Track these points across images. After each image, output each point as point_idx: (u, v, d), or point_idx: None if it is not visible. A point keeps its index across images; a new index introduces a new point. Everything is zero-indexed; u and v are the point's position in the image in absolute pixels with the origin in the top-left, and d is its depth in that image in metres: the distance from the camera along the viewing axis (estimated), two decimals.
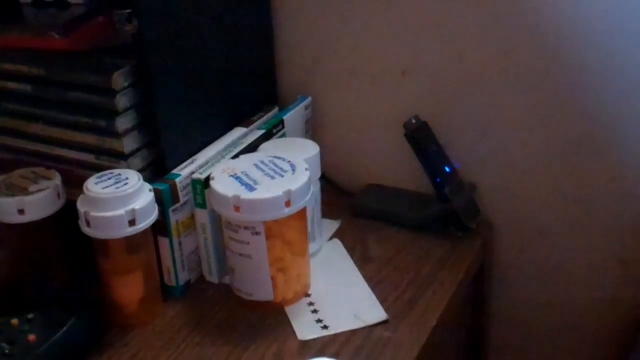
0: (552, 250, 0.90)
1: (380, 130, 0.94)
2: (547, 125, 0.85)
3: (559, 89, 0.82)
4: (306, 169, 0.76)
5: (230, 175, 0.75)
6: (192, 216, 0.79)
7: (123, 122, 0.75)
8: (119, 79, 0.74)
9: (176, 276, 0.79)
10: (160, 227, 0.76)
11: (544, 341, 0.96)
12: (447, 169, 0.87)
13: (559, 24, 0.79)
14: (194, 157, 0.81)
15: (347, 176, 0.98)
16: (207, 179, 0.76)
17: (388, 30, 0.89)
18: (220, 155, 0.82)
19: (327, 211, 0.89)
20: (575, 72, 0.81)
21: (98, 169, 0.76)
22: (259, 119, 0.89)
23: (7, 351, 0.67)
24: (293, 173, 0.75)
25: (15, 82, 0.80)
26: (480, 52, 0.85)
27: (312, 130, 0.96)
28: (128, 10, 0.79)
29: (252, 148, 0.84)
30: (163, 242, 0.77)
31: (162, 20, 0.75)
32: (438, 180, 0.86)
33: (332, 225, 0.90)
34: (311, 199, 0.78)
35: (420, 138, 0.87)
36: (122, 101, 0.75)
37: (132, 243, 0.73)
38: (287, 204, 0.72)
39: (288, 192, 0.72)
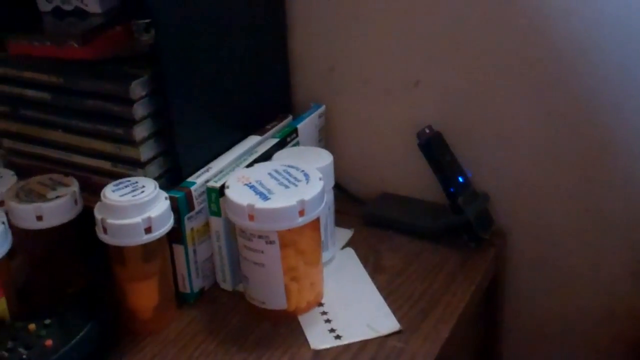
0: (565, 261, 0.90)
1: (394, 139, 0.95)
2: (561, 135, 0.85)
3: (573, 99, 0.82)
4: (320, 179, 0.76)
5: (245, 184, 0.76)
6: (207, 224, 0.80)
7: (140, 131, 0.76)
8: (137, 88, 0.75)
9: (190, 283, 0.80)
10: (176, 235, 0.77)
11: (558, 352, 0.96)
12: (460, 179, 0.87)
13: (573, 33, 0.79)
14: (209, 166, 0.81)
15: (361, 185, 0.99)
16: (222, 187, 0.77)
17: (402, 41, 0.90)
18: (234, 164, 0.83)
19: (340, 220, 0.89)
20: (590, 81, 0.81)
21: (115, 176, 0.77)
22: (273, 127, 0.90)
23: (24, 356, 0.67)
24: (307, 182, 0.76)
25: (34, 90, 0.82)
26: (494, 62, 0.85)
27: (325, 138, 0.97)
28: (146, 21, 0.80)
29: (266, 157, 0.85)
30: (178, 249, 0.78)
31: (179, 30, 0.76)
32: (451, 190, 0.87)
33: (346, 234, 0.91)
34: (325, 208, 0.78)
35: (434, 148, 0.87)
36: (139, 110, 0.76)
37: (147, 250, 0.74)
38: (301, 213, 0.73)
39: (302, 202, 0.73)
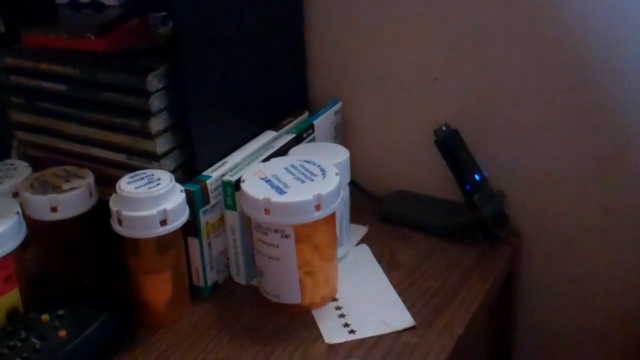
0: (579, 261, 0.90)
1: (410, 136, 0.94)
2: (579, 135, 0.84)
3: (591, 98, 0.82)
4: (336, 174, 0.76)
5: (261, 178, 0.76)
6: (222, 218, 0.80)
7: (156, 124, 0.76)
8: (154, 81, 0.75)
9: (205, 277, 0.80)
10: (191, 228, 0.77)
11: (571, 349, 0.95)
12: (476, 177, 0.87)
13: (593, 33, 0.79)
14: (224, 160, 0.81)
15: (376, 182, 0.98)
16: (238, 181, 0.77)
17: (420, 38, 0.89)
18: (250, 159, 0.82)
19: (355, 217, 0.89)
20: (608, 81, 0.80)
21: (130, 169, 0.77)
22: (289, 123, 0.90)
23: (37, 346, 0.67)
24: (323, 177, 0.75)
25: (51, 81, 0.81)
26: (512, 60, 0.85)
27: (341, 135, 0.97)
28: (163, 14, 0.80)
29: (282, 152, 0.84)
30: (193, 242, 0.78)
31: (196, 23, 0.76)
32: (467, 188, 0.86)
33: (360, 231, 0.91)
34: (340, 204, 0.78)
35: (451, 145, 0.87)
36: (155, 103, 0.75)
37: (162, 243, 0.73)
38: (317, 208, 0.73)
39: (318, 197, 0.72)
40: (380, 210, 0.94)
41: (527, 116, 0.86)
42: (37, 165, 0.84)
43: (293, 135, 0.87)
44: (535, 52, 0.83)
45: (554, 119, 0.85)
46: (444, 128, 0.87)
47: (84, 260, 0.81)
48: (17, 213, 0.73)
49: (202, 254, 0.78)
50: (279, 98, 0.91)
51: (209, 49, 0.78)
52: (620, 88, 0.80)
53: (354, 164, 0.85)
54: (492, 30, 0.84)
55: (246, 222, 0.79)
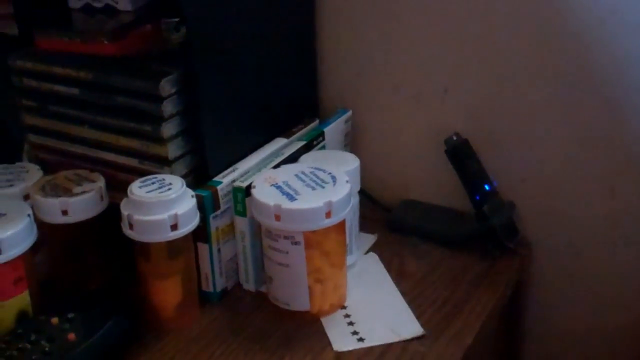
0: (589, 272, 0.90)
1: (420, 146, 0.95)
2: (588, 147, 0.84)
3: (602, 110, 0.82)
4: (347, 181, 0.76)
5: (272, 185, 0.76)
6: (232, 224, 0.80)
7: (168, 129, 0.76)
8: (167, 86, 0.75)
9: (214, 283, 0.80)
10: (201, 233, 0.77)
11: None
12: (486, 187, 0.87)
13: (604, 43, 0.79)
14: (235, 166, 0.81)
15: (385, 191, 0.98)
16: (248, 187, 0.77)
17: (432, 48, 0.89)
18: (261, 165, 0.82)
19: (365, 225, 0.89)
20: (619, 92, 0.80)
21: (141, 173, 0.77)
22: (299, 130, 0.90)
23: (47, 349, 0.67)
24: (334, 185, 0.75)
25: (64, 85, 0.82)
26: (523, 70, 0.85)
27: (351, 143, 0.97)
28: (176, 19, 0.81)
29: (292, 159, 0.84)
30: (203, 248, 0.78)
31: (209, 29, 0.76)
32: (477, 198, 0.86)
33: (369, 240, 0.91)
34: (350, 212, 0.78)
35: (461, 155, 0.87)
36: (168, 108, 0.76)
37: (173, 247, 0.73)
38: (328, 215, 0.73)
39: (329, 203, 0.72)
40: (389, 219, 0.94)
41: (538, 127, 0.86)
42: (48, 168, 0.84)
43: (303, 143, 0.87)
44: (546, 64, 0.83)
45: (564, 130, 0.85)
46: (454, 137, 0.87)
47: (93, 263, 0.81)
48: (29, 216, 0.73)
49: (211, 259, 0.79)
50: (289, 105, 0.91)
51: (221, 56, 0.79)
52: (630, 100, 0.80)
53: (364, 172, 0.85)
54: (504, 41, 0.85)
55: (256, 229, 0.79)
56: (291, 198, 0.73)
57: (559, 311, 0.93)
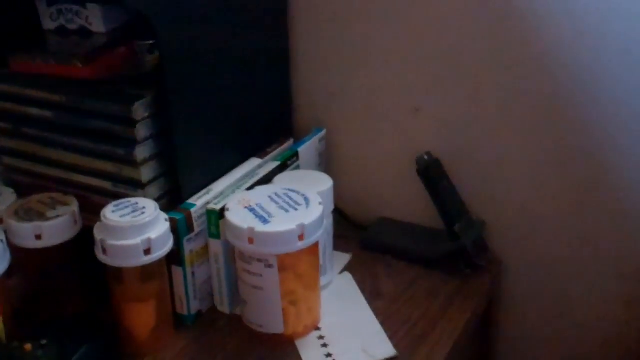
0: (560, 289, 0.91)
1: (393, 165, 0.95)
2: (557, 165, 0.86)
3: (570, 130, 0.83)
4: (320, 203, 0.77)
5: (245, 207, 0.76)
6: (206, 246, 0.80)
7: (142, 152, 0.76)
8: (140, 109, 0.75)
9: (188, 306, 0.80)
10: (174, 257, 0.77)
11: None
12: (457, 206, 0.88)
13: (573, 65, 0.80)
14: (209, 187, 0.82)
15: (359, 210, 0.99)
16: (222, 209, 0.77)
17: (403, 68, 0.90)
18: (235, 186, 0.83)
19: (339, 244, 0.89)
20: (587, 113, 0.82)
21: (115, 196, 0.77)
22: (274, 150, 0.90)
23: None
24: (307, 207, 0.76)
25: (37, 108, 0.82)
26: (493, 91, 0.86)
27: (325, 163, 0.97)
28: (150, 42, 0.81)
29: (266, 180, 0.85)
30: (177, 271, 0.78)
31: (182, 52, 0.77)
32: (448, 217, 0.87)
33: (344, 259, 0.91)
34: (324, 233, 0.79)
35: (432, 174, 0.88)
36: (141, 131, 0.76)
37: (146, 272, 0.74)
38: (301, 237, 0.73)
39: (302, 226, 0.73)
40: (363, 238, 0.94)
41: (508, 146, 0.88)
42: (22, 191, 0.84)
43: (277, 163, 0.87)
44: (516, 84, 0.85)
45: (534, 149, 0.86)
46: (425, 157, 0.88)
47: (68, 287, 0.81)
48: (1, 241, 0.72)
49: (185, 282, 0.79)
50: (264, 126, 0.92)
51: (195, 78, 0.79)
52: (600, 121, 0.81)
53: (338, 191, 0.86)
54: (475, 61, 0.86)
55: (230, 251, 0.79)
56: (264, 221, 0.74)
57: (531, 326, 0.94)
